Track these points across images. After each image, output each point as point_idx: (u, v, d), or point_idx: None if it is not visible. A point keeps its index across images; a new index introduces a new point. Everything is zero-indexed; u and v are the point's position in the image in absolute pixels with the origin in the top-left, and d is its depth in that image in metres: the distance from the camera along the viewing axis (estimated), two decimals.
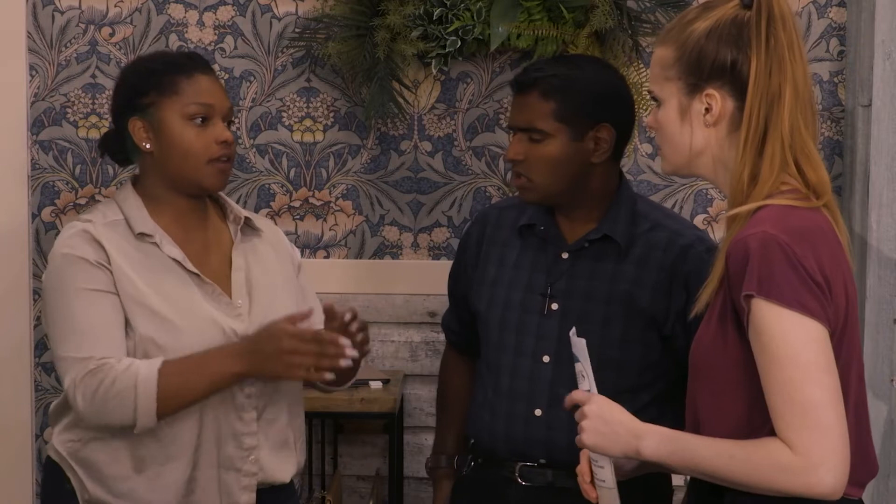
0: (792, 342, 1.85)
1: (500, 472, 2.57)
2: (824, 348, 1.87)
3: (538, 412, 2.54)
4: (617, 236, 2.53)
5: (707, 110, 2.00)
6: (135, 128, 2.44)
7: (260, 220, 2.60)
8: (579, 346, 2.05)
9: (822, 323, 1.87)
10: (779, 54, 1.96)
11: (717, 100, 1.99)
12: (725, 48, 1.98)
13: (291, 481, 2.55)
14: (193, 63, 2.46)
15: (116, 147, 2.52)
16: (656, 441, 1.96)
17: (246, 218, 2.54)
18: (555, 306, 2.54)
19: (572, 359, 2.07)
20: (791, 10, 1.99)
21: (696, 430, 1.99)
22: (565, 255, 2.56)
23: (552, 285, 2.55)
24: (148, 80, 2.44)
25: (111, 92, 2.54)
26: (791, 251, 1.87)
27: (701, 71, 2.00)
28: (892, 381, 3.25)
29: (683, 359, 2.50)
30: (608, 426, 2.00)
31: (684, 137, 2.03)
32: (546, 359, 2.54)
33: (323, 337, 2.33)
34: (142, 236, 2.43)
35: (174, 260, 2.43)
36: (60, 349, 2.38)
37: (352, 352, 2.32)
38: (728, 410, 1.94)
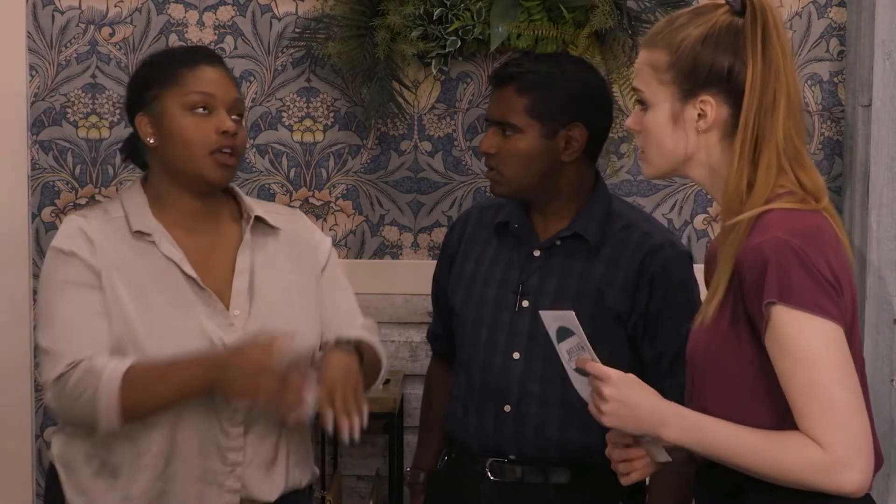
0: (813, 345, 1.87)
1: (472, 468, 2.59)
2: (843, 348, 1.89)
3: (507, 408, 2.55)
4: (588, 235, 2.54)
5: (700, 116, 2.00)
6: (141, 123, 2.40)
7: (281, 217, 2.49)
8: (568, 318, 2.03)
9: (838, 323, 1.89)
10: (774, 63, 1.96)
11: (713, 106, 1.99)
12: (722, 55, 1.98)
13: (309, 486, 2.51)
14: (198, 54, 2.42)
15: (133, 149, 2.47)
16: (679, 428, 1.96)
17: (258, 216, 2.45)
18: (526, 303, 2.56)
19: (555, 339, 2.05)
20: (783, 20, 2.00)
21: None
22: (537, 253, 2.58)
23: (524, 283, 2.57)
24: (152, 74, 2.41)
25: (124, 92, 2.51)
26: (805, 254, 1.88)
27: (696, 77, 1.99)
28: (892, 381, 3.25)
29: (646, 359, 2.52)
30: (631, 411, 1.99)
31: (676, 142, 2.02)
32: (517, 355, 2.55)
33: (289, 383, 2.22)
34: (139, 234, 2.38)
35: (171, 261, 2.37)
36: (41, 341, 2.37)
37: (309, 409, 2.23)
38: (742, 413, 1.94)
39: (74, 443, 2.40)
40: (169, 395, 2.29)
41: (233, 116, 2.39)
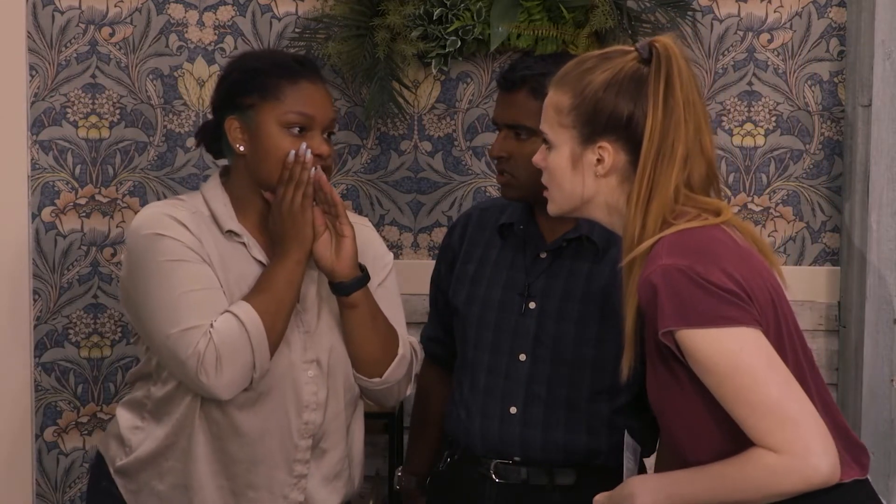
0: (728, 354, 1.87)
1: (476, 469, 2.58)
2: (762, 347, 1.88)
3: (513, 410, 2.54)
4: (594, 236, 2.54)
5: (599, 161, 2.01)
6: (231, 127, 2.38)
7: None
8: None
9: (749, 326, 1.88)
10: (675, 113, 1.96)
11: (610, 153, 2.00)
12: (623, 102, 1.99)
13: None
14: (301, 68, 2.39)
15: (211, 138, 2.46)
16: (649, 491, 1.97)
17: None
18: (532, 305, 2.55)
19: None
20: (689, 66, 2.00)
21: (686, 465, 2.00)
22: (543, 255, 2.57)
23: (530, 284, 2.56)
24: (251, 81, 2.38)
25: (215, 86, 2.48)
26: (693, 272, 1.88)
27: (596, 123, 2.00)
28: (892, 381, 3.25)
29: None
30: (608, 500, 2.04)
31: (575, 185, 2.05)
32: (522, 357, 2.54)
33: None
34: (230, 234, 2.39)
35: (261, 264, 2.39)
36: (164, 327, 2.31)
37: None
38: (709, 440, 1.95)
39: (153, 461, 2.42)
40: (291, 296, 2.35)
41: (325, 135, 2.40)
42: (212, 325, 2.30)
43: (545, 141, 2.08)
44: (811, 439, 1.84)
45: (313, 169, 2.35)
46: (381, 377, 2.48)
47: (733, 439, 1.91)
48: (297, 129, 2.36)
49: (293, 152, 2.34)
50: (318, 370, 2.43)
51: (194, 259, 2.33)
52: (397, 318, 2.53)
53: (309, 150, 2.35)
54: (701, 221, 1.96)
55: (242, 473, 2.39)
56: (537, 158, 2.11)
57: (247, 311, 2.31)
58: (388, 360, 2.47)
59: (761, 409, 1.85)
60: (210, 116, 2.48)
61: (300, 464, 2.42)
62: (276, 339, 2.34)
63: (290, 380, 2.40)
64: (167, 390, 2.40)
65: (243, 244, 2.40)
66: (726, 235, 1.97)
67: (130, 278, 2.38)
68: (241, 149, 2.38)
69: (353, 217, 2.56)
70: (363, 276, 2.42)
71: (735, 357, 1.86)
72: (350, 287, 2.41)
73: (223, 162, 2.50)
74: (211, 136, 2.47)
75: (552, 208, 2.12)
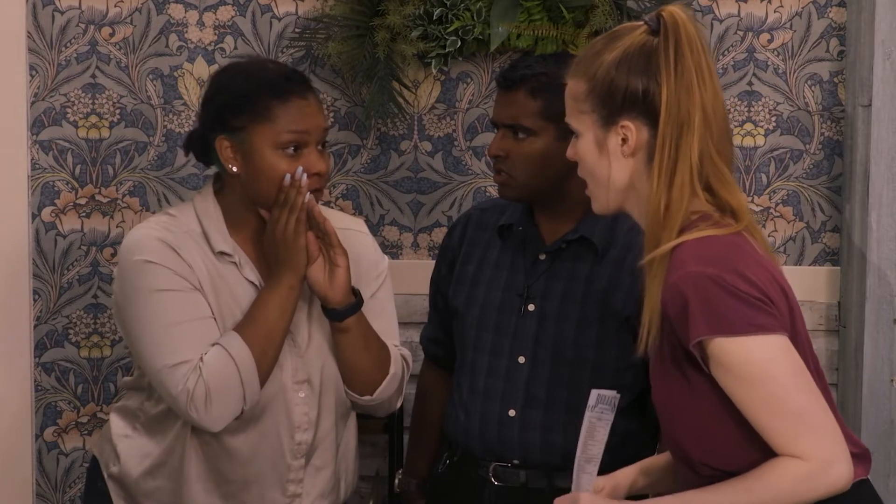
0: (760, 363, 1.86)
1: (475, 471, 2.58)
2: (790, 355, 1.88)
3: (512, 413, 2.54)
4: (594, 238, 2.53)
5: (624, 141, 1.98)
6: (222, 147, 2.36)
7: (345, 233, 2.47)
8: (609, 398, 2.06)
9: (779, 333, 1.88)
10: (686, 80, 1.93)
11: (633, 130, 1.97)
12: (636, 77, 1.96)
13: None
14: (289, 84, 2.37)
15: (200, 148, 2.44)
16: None
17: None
18: (532, 307, 2.55)
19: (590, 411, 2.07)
20: (699, 34, 1.97)
21: (691, 468, 1.99)
22: (543, 257, 2.57)
23: (530, 286, 2.56)
24: (240, 102, 2.35)
25: (202, 98, 2.47)
26: (723, 280, 1.87)
27: (613, 102, 1.97)
28: (892, 381, 3.25)
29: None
30: None
31: (603, 170, 2.01)
32: (522, 359, 2.54)
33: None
34: (221, 255, 2.38)
35: (253, 284, 2.39)
36: (154, 360, 2.31)
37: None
38: (719, 444, 1.95)
39: (141, 480, 2.42)
40: (283, 325, 2.34)
41: (319, 147, 2.38)
42: (202, 360, 2.29)
43: (571, 132, 2.06)
44: (835, 446, 1.87)
45: (308, 194, 2.34)
46: (371, 395, 2.48)
47: (738, 442, 1.92)
48: (292, 148, 2.34)
49: (289, 175, 2.33)
50: (309, 390, 2.42)
51: (184, 287, 2.33)
52: (390, 329, 2.53)
53: (305, 175, 2.33)
54: (721, 230, 1.94)
55: (236, 493, 2.39)
56: (569, 152, 2.08)
57: (237, 346, 2.30)
58: (380, 379, 2.48)
59: (789, 416, 1.86)
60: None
61: (294, 483, 2.42)
62: (267, 370, 2.33)
63: (281, 401, 2.40)
64: (160, 409, 2.40)
65: (235, 264, 2.39)
66: (744, 241, 1.96)
67: (122, 301, 2.38)
68: (235, 169, 2.36)
69: (348, 221, 2.56)
70: (356, 302, 2.42)
71: (767, 365, 1.86)
72: (343, 313, 2.41)
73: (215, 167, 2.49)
74: (199, 148, 2.45)
75: (595, 206, 2.07)
